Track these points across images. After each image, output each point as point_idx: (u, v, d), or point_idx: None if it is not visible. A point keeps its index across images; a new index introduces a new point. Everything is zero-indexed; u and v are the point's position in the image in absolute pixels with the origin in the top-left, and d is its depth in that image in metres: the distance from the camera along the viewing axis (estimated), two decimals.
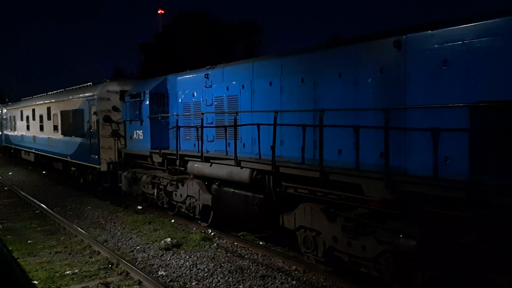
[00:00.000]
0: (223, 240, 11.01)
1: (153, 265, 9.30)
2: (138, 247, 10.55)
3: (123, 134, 16.09)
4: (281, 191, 9.15)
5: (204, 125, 11.47)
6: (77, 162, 19.65)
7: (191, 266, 9.06)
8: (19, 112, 30.13)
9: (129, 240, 11.31)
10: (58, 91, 23.23)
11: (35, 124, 26.23)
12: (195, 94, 12.40)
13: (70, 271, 8.94)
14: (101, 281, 8.23)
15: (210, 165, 10.89)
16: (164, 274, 8.72)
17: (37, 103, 25.86)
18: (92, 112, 17.77)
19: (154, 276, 8.50)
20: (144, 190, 14.61)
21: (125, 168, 15.87)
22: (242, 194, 9.98)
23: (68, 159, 20.72)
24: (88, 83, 19.17)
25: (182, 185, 12.48)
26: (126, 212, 14.72)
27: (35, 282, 8.35)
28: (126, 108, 15.07)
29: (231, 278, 8.37)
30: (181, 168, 12.53)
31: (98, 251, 10.27)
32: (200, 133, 11.82)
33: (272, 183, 9.23)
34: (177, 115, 12.28)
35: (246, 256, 9.75)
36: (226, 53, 33.06)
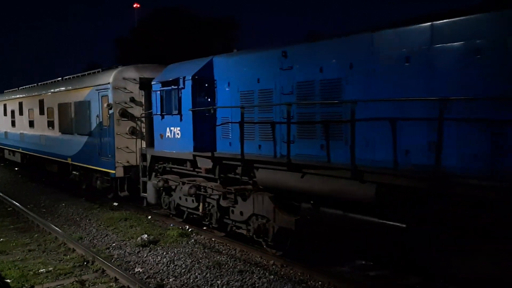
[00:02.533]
0: (200, 236, 10.98)
1: (130, 262, 9.25)
2: (114, 244, 10.48)
3: (148, 131, 12.96)
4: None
5: (277, 119, 8.51)
6: (82, 165, 16.34)
7: (169, 263, 9.06)
8: (2, 106, 26.43)
9: (104, 237, 11.21)
10: (54, 80, 19.77)
11: (22, 120, 22.67)
12: (260, 79, 9.34)
13: (44, 269, 8.84)
14: (76, 279, 8.18)
15: (302, 176, 7.88)
16: (140, 270, 8.69)
17: (25, 95, 22.30)
18: (104, 105, 14.51)
19: (130, 273, 8.47)
20: (180, 203, 11.51)
21: (149, 174, 12.73)
22: (372, 222, 6.96)
23: (69, 161, 17.37)
24: (97, 70, 15.83)
25: (244, 199, 9.46)
26: (101, 209, 14.49)
27: (8, 280, 8.19)
28: (155, 99, 11.90)
29: (209, 274, 8.38)
30: (243, 177, 9.52)
31: (73, 248, 10.12)
32: (273, 131, 8.84)
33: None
34: (242, 108, 9.16)
35: (224, 251, 9.80)
36: (203, 48, 30.80)
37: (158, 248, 9.96)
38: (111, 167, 14.17)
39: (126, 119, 13.99)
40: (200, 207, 10.63)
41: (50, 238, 11.15)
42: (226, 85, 10.32)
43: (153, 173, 12.68)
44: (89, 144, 15.60)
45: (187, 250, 9.81)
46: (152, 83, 12.16)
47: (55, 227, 11.87)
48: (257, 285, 7.84)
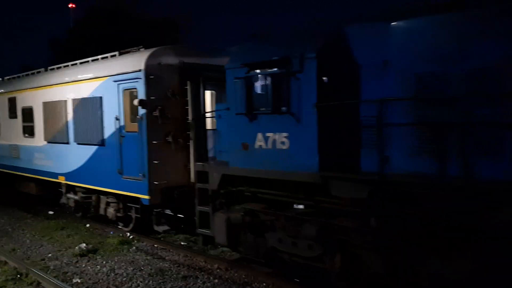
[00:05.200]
0: (142, 243, 10.66)
1: (67, 272, 8.85)
2: (50, 255, 10.01)
3: (200, 139, 9.07)
4: None
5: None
6: (84, 186, 11.90)
7: (109, 272, 8.76)
8: None
9: (39, 247, 10.68)
10: (34, 72, 14.98)
11: None
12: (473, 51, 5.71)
13: None
14: None
15: None
16: (79, 281, 8.37)
17: None
18: (127, 102, 10.28)
19: (68, 284, 8.19)
20: (280, 247, 7.59)
21: (213, 201, 8.72)
22: None
23: (61, 180, 12.83)
24: (110, 54, 11.44)
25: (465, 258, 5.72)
26: (35, 218, 13.87)
27: None
28: (234, 92, 7.89)
29: (151, 281, 8.19)
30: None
31: (5, 261, 9.67)
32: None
33: None
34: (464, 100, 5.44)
35: (167, 257, 9.56)
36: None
37: (98, 257, 9.63)
38: (143, 190, 9.93)
39: (165, 121, 9.84)
40: (337, 261, 6.75)
41: None
42: (377, 66, 6.56)
43: (221, 200, 8.68)
44: (99, 157, 11.22)
45: (128, 258, 9.56)
46: (226, 67, 8.16)
47: None
48: None
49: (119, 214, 11.32)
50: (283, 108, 7.14)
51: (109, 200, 11.49)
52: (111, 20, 35.45)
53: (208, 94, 10.55)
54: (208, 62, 10.35)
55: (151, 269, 8.77)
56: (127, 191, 10.40)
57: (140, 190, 10.01)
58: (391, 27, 6.49)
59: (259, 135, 7.63)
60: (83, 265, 9.20)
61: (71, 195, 12.77)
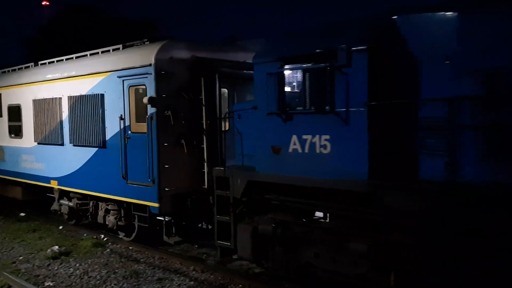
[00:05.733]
0: (117, 245, 10.47)
1: (39, 276, 8.63)
2: (21, 258, 9.79)
3: (219, 141, 8.23)
4: None
5: None
6: (81, 192, 10.88)
7: (82, 275, 8.60)
8: None
9: (10, 250, 10.40)
10: (22, 66, 13.81)
11: None
12: None
13: None
14: None
15: None
16: (51, 285, 8.22)
17: None
18: (136, 100, 9.35)
19: (40, 287, 8.04)
20: (317, 263, 6.76)
21: (234, 210, 7.86)
22: None
23: (53, 185, 11.77)
24: (113, 47, 10.43)
25: None
26: (6, 220, 13.45)
27: None
28: (264, 88, 7.05)
29: (125, 284, 8.11)
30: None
31: None
32: None
33: None
34: None
35: (142, 260, 9.42)
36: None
37: (71, 260, 9.46)
38: (151, 197, 8.98)
39: (178, 122, 8.93)
40: (391, 280, 5.96)
41: None
42: (437, 61, 5.82)
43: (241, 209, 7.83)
44: (99, 160, 10.21)
45: (102, 260, 9.41)
46: (255, 62, 7.31)
47: None
48: None
49: (120, 223, 10.34)
50: (326, 108, 6.34)
51: (109, 207, 10.50)
52: (86, 18, 34.76)
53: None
54: (222, 57, 9.50)
55: (125, 272, 8.66)
56: (133, 198, 9.44)
57: (148, 197, 9.06)
58: (455, 17, 5.77)
59: (294, 138, 6.80)
60: (56, 268, 9.02)
61: (64, 202, 11.70)
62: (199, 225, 9.60)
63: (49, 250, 9.86)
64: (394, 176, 5.96)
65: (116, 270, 8.77)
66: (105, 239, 10.83)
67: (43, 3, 47.73)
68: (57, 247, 9.96)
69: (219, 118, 8.90)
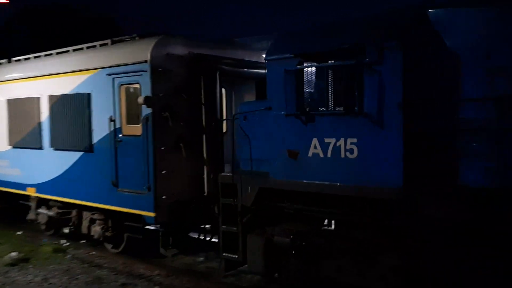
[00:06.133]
0: (78, 250, 10.21)
1: None
2: None
3: (221, 144, 7.64)
4: None
5: None
6: (63, 200, 9.98)
7: (42, 281, 8.41)
8: None
9: None
10: None
11: None
12: None
13: None
14: None
15: None
16: None
17: None
18: (129, 99, 8.57)
19: None
20: (348, 281, 6.20)
21: (241, 220, 7.23)
22: None
23: (31, 192, 10.79)
24: (100, 42, 9.57)
25: None
26: None
27: None
28: (281, 87, 6.45)
29: None
30: None
31: None
32: None
33: None
34: None
35: (104, 265, 9.23)
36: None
37: (30, 267, 9.22)
38: (146, 206, 8.21)
39: (176, 123, 8.22)
40: None
41: None
42: (478, 58, 5.38)
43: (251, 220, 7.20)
44: (85, 165, 9.35)
45: (63, 266, 9.20)
46: (269, 58, 6.71)
47: None
48: None
49: (107, 234, 9.52)
50: (353, 108, 5.81)
51: (95, 216, 9.65)
52: (47, 16, 33.96)
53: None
54: (221, 54, 8.86)
55: (87, 278, 8.50)
56: (125, 207, 8.63)
57: (142, 206, 8.29)
58: (497, 11, 5.34)
59: (315, 141, 6.24)
60: (14, 275, 8.77)
61: (43, 210, 10.73)
62: (198, 236, 8.91)
63: (6, 256, 9.59)
64: (431, 182, 5.48)
65: (78, 276, 8.59)
66: (66, 244, 10.52)
67: (1, 1, 46.54)
68: (15, 253, 9.69)
69: (220, 119, 8.29)
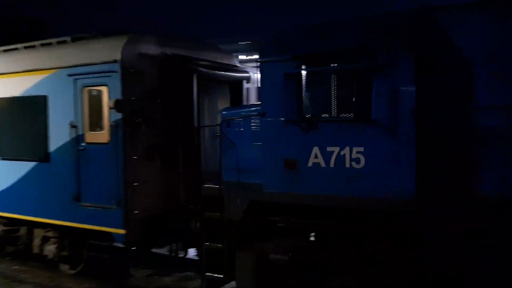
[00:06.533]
0: (1, 265, 9.64)
1: None
2: None
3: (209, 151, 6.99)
4: None
5: None
6: (11, 216, 8.81)
7: None
8: None
9: None
10: None
11: None
12: None
13: None
14: None
15: None
16: None
17: None
18: (92, 103, 7.68)
19: None
20: None
21: (231, 237, 6.63)
22: None
23: None
24: (58, 39, 8.54)
25: None
26: None
27: None
28: (280, 91, 5.94)
29: None
30: None
31: None
32: None
33: None
34: None
35: (29, 280, 8.82)
36: None
37: None
38: (115, 222, 7.33)
39: (149, 130, 7.45)
40: None
41: None
42: (493, 63, 5.18)
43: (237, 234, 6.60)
44: (39, 177, 8.28)
45: None
46: (263, 60, 6.18)
47: None
48: None
49: (63, 253, 8.50)
50: (360, 115, 5.42)
51: (49, 234, 8.59)
52: None
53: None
54: (197, 55, 8.22)
55: None
56: (89, 224, 7.69)
57: (110, 222, 7.40)
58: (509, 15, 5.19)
59: (316, 150, 5.78)
60: None
61: None
62: (169, 253, 8.15)
63: None
64: (444, 192, 5.21)
65: None
66: None
67: None
68: None
69: (198, 125, 7.65)
